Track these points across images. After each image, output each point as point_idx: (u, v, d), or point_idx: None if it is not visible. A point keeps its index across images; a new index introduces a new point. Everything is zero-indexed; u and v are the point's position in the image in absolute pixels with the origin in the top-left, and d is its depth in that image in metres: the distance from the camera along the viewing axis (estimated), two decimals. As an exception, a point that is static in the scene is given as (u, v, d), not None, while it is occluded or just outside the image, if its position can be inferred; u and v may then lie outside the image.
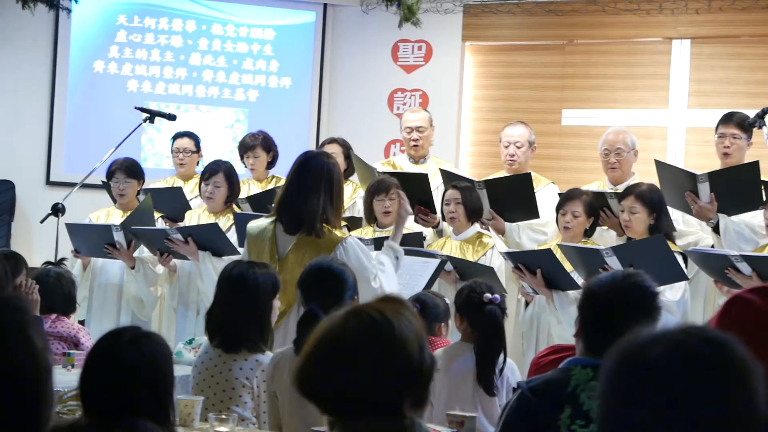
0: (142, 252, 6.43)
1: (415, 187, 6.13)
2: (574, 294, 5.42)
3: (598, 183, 6.36)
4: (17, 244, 8.15)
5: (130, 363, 2.57)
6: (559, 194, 6.06)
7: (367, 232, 6.07)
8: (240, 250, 5.75)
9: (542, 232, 6.25)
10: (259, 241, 4.80)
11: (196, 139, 7.17)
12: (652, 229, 5.55)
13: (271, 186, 6.84)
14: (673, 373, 1.53)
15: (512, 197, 6.16)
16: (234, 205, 6.51)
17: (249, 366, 4.08)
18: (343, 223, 5.39)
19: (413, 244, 5.85)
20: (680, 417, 1.51)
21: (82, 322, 6.32)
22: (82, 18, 8.55)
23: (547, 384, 2.85)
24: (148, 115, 6.93)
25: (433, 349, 4.29)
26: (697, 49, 8.02)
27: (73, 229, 6.34)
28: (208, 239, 6.08)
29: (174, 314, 6.48)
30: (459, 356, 4.39)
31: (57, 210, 6.48)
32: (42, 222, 6.60)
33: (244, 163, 7.03)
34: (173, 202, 6.69)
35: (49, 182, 8.70)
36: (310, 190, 4.68)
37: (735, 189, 5.55)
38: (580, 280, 5.47)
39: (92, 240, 6.34)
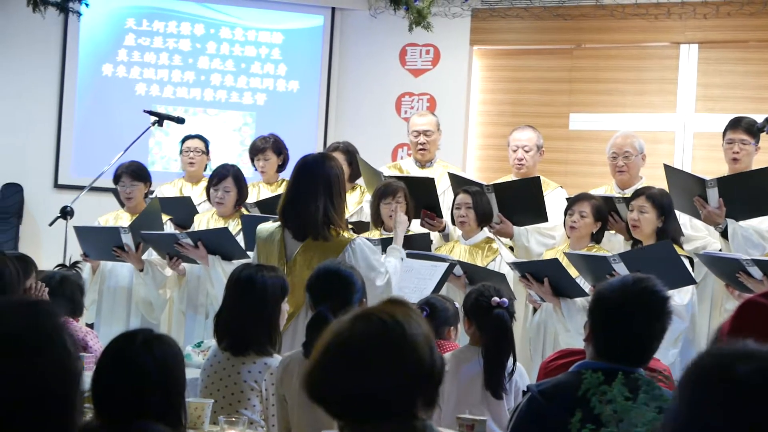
0: (151, 254, 6.43)
1: (422, 191, 6.12)
2: (581, 302, 5.41)
3: (606, 187, 6.35)
4: (25, 247, 8.15)
5: (142, 366, 2.57)
6: (567, 199, 6.06)
7: (374, 235, 6.06)
8: (249, 253, 5.75)
9: (550, 236, 6.24)
10: (268, 244, 4.80)
11: (205, 142, 7.19)
12: (659, 232, 5.54)
13: (281, 189, 6.82)
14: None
15: (521, 201, 6.15)
16: (243, 209, 6.51)
17: (257, 369, 4.07)
18: (350, 227, 5.40)
19: (420, 244, 5.84)
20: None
21: (90, 326, 6.33)
22: (91, 21, 8.56)
23: (557, 387, 2.84)
24: (157, 119, 6.91)
25: (442, 353, 4.28)
26: (705, 53, 8.02)
27: (82, 232, 6.33)
28: (218, 243, 6.07)
29: (183, 317, 6.48)
30: (468, 360, 4.38)
31: (65, 213, 6.46)
32: (50, 225, 6.58)
33: (254, 165, 7.02)
34: (182, 210, 6.69)
35: (57, 185, 8.72)
36: (309, 195, 4.66)
37: (744, 194, 5.53)
38: (587, 287, 5.46)
39: (100, 243, 6.34)
